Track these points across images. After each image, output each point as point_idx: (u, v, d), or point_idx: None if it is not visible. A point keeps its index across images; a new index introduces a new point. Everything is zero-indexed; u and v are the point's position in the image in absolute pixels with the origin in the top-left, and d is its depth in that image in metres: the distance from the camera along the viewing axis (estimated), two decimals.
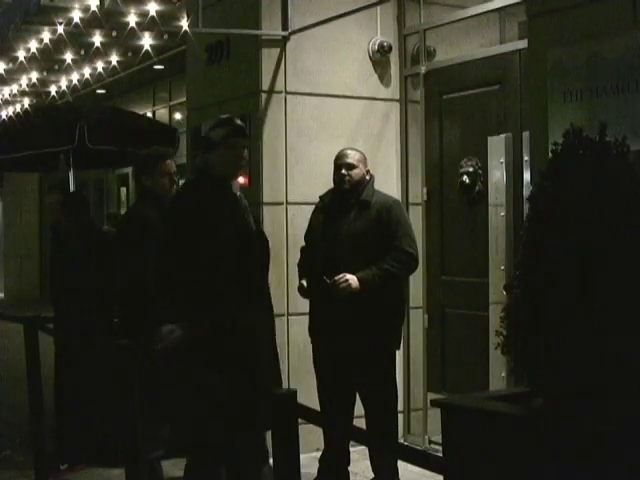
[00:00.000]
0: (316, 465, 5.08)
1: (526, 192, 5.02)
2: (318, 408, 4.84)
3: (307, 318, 5.12)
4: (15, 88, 12.84)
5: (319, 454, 5.10)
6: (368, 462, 5.05)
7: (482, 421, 2.50)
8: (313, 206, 5.20)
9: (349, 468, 5.11)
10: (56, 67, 11.66)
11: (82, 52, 10.62)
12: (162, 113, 14.11)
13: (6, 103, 13.73)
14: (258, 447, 4.20)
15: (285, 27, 6.12)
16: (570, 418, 2.33)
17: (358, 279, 4.73)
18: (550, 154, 2.55)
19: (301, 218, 5.42)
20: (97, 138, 7.03)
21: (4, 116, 13.33)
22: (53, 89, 12.75)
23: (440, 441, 2.72)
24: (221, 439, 3.89)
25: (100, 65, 11.37)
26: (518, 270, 2.57)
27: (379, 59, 6.39)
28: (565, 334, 2.37)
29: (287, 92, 6.13)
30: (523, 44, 5.19)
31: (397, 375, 5.41)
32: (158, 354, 4.00)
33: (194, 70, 6.97)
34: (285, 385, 5.71)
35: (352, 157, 4.99)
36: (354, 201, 4.93)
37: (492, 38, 6.43)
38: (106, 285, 5.70)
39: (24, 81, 12.36)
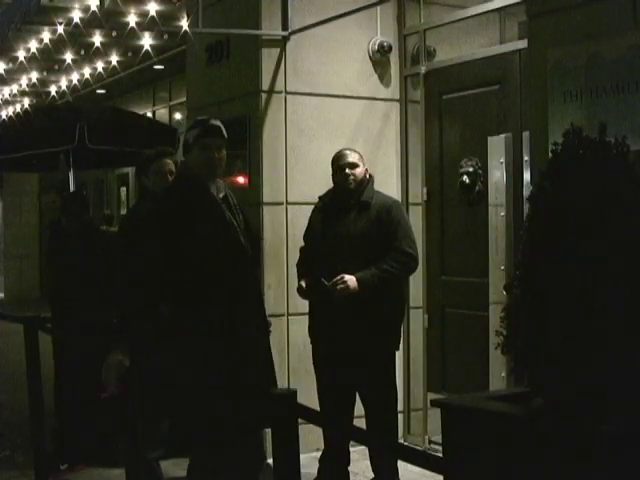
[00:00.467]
0: (316, 465, 5.09)
1: (526, 192, 5.02)
2: (318, 408, 4.84)
3: (307, 318, 5.12)
4: (15, 88, 12.85)
5: (319, 454, 5.10)
6: (368, 462, 5.05)
7: (482, 421, 2.50)
8: (313, 206, 5.20)
9: (349, 468, 5.11)
10: (56, 67, 11.67)
11: (82, 52, 10.63)
12: (162, 113, 14.12)
13: (6, 103, 13.73)
14: (254, 446, 4.20)
15: (285, 27, 6.12)
16: (570, 418, 2.33)
17: (357, 279, 4.73)
18: (550, 154, 2.55)
19: (301, 218, 5.42)
20: (97, 138, 7.03)
21: (4, 116, 13.33)
22: (53, 89, 12.76)
23: (440, 441, 2.72)
24: (217, 439, 3.89)
25: (100, 65, 11.38)
26: (518, 270, 2.57)
27: (379, 59, 6.39)
28: (565, 334, 2.37)
29: (287, 92, 6.13)
30: (523, 44, 5.18)
31: (397, 375, 5.41)
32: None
33: (194, 70, 6.97)
34: (285, 385, 5.71)
35: (353, 156, 5.00)
36: (354, 202, 4.93)
37: (492, 38, 6.43)
38: (106, 285, 5.70)
39: (24, 81, 12.36)
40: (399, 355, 5.85)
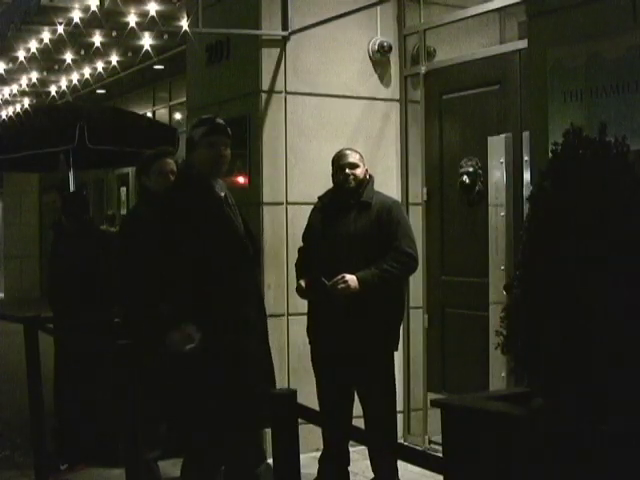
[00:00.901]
0: (316, 465, 5.08)
1: (526, 192, 5.02)
2: (318, 408, 4.84)
3: (307, 318, 5.11)
4: (15, 88, 12.84)
5: (319, 454, 5.10)
6: (368, 462, 5.05)
7: (482, 421, 2.50)
8: (312, 206, 5.20)
9: (349, 468, 5.11)
10: (56, 67, 11.67)
11: (82, 52, 10.63)
12: (162, 113, 14.12)
13: (6, 103, 13.73)
14: (254, 446, 4.20)
15: (285, 27, 6.12)
16: (570, 418, 2.33)
17: (357, 279, 4.73)
18: (550, 154, 2.55)
19: (301, 218, 5.42)
20: (97, 138, 7.03)
21: (4, 116, 13.32)
22: (53, 89, 12.76)
23: (440, 441, 2.72)
24: (216, 439, 3.88)
25: (100, 65, 11.38)
26: (518, 270, 2.57)
27: (379, 59, 6.39)
28: (565, 334, 2.37)
29: (287, 92, 6.13)
30: (523, 44, 5.18)
31: (397, 375, 5.41)
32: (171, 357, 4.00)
33: (194, 70, 6.97)
34: (285, 385, 5.71)
35: (354, 156, 5.00)
36: (354, 202, 4.94)
37: (492, 38, 6.43)
38: (106, 285, 5.70)
39: (24, 81, 12.36)
40: (399, 355, 5.85)
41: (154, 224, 4.08)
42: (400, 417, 6.00)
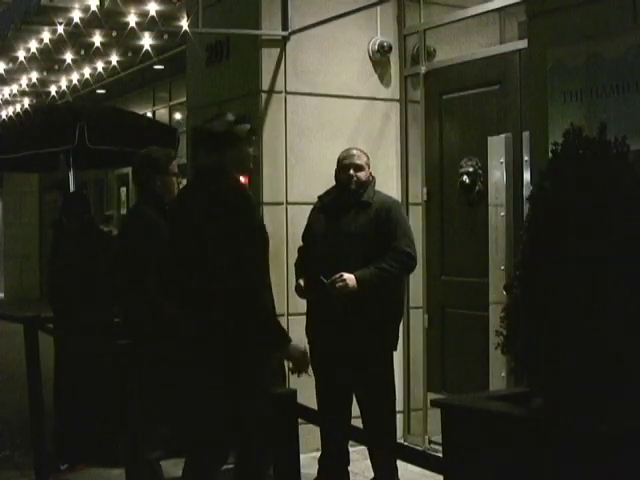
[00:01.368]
0: (316, 465, 5.08)
1: (526, 192, 5.02)
2: (317, 408, 4.83)
3: (306, 318, 5.11)
4: (15, 88, 12.84)
5: (319, 454, 5.10)
6: (368, 462, 5.05)
7: (482, 421, 2.50)
8: (313, 205, 5.20)
9: (349, 468, 5.11)
10: (56, 67, 11.67)
11: (82, 52, 10.62)
12: (162, 113, 14.12)
13: (6, 103, 13.72)
14: (262, 447, 4.16)
15: (285, 27, 6.12)
16: (570, 418, 2.33)
17: (356, 278, 4.73)
18: (550, 154, 2.55)
19: (301, 218, 5.42)
20: (97, 138, 7.02)
21: (4, 116, 13.32)
22: (53, 89, 12.75)
23: (440, 441, 2.72)
24: (219, 439, 3.87)
25: (100, 65, 11.37)
26: (518, 270, 2.57)
27: (379, 59, 6.39)
28: (565, 334, 2.37)
29: (287, 92, 6.13)
30: (523, 44, 5.19)
31: (397, 375, 5.41)
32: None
33: (194, 70, 6.97)
34: (285, 385, 5.71)
35: (360, 159, 5.00)
36: (354, 201, 4.94)
37: (492, 38, 6.43)
38: (106, 285, 5.70)
39: (24, 81, 12.36)
40: (399, 355, 5.85)
41: (201, 219, 3.82)
42: (400, 417, 6.01)
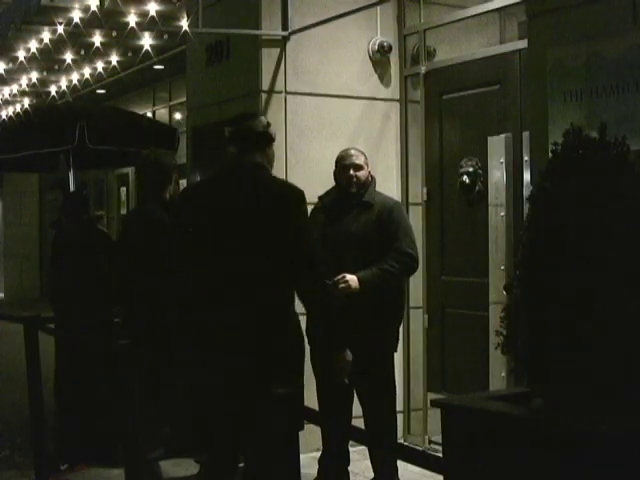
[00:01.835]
0: (316, 465, 5.08)
1: (526, 192, 5.02)
2: (317, 408, 4.83)
3: (306, 318, 5.10)
4: (15, 88, 12.82)
5: (319, 454, 5.10)
6: (368, 462, 5.05)
7: (482, 421, 2.50)
8: (313, 206, 5.19)
9: (349, 468, 5.11)
10: (56, 67, 11.66)
11: (82, 52, 10.61)
12: (162, 113, 14.11)
13: (6, 103, 13.71)
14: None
15: (285, 27, 6.12)
16: (570, 418, 2.33)
17: (358, 279, 4.73)
18: (550, 154, 2.55)
19: None
20: (97, 138, 7.02)
21: (4, 116, 13.31)
22: (53, 89, 12.74)
23: (440, 441, 2.72)
24: (226, 442, 3.83)
25: (100, 65, 11.36)
26: (518, 270, 2.57)
27: (379, 59, 6.39)
28: (565, 334, 2.37)
29: (287, 92, 6.13)
30: (523, 44, 5.19)
31: (397, 375, 5.40)
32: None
33: (194, 70, 6.97)
34: None
35: (359, 158, 5.01)
36: (355, 202, 4.93)
37: (492, 38, 6.43)
38: (106, 285, 5.70)
39: (24, 81, 12.34)
40: (399, 355, 5.85)
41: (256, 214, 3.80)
42: (400, 417, 6.00)
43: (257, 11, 6.11)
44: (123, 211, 15.33)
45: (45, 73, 12.04)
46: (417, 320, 6.22)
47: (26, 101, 13.28)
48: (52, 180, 9.29)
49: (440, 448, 2.77)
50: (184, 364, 3.99)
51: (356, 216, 4.91)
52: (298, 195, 3.85)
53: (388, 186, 5.98)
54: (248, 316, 3.66)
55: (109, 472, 5.65)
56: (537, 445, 2.32)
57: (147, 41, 9.70)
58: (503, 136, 5.49)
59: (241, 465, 3.90)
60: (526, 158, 5.11)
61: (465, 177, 5.88)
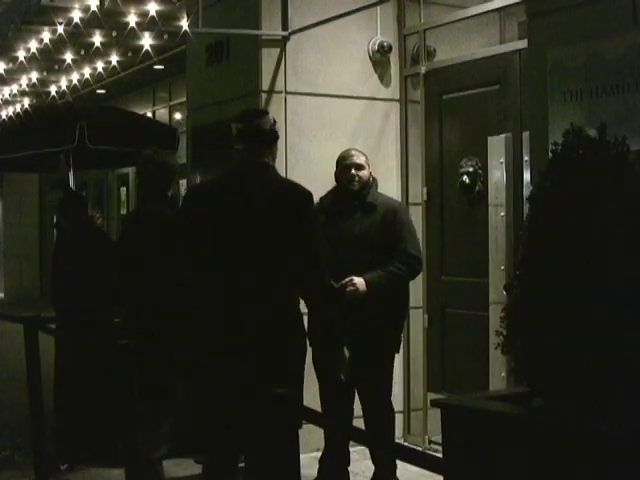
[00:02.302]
0: (316, 465, 5.08)
1: (526, 192, 5.02)
2: (318, 408, 4.83)
3: (308, 317, 5.10)
4: (15, 88, 12.82)
5: (319, 454, 5.10)
6: (368, 462, 5.05)
7: (482, 421, 2.50)
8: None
9: (349, 468, 5.11)
10: (56, 67, 11.65)
11: (82, 52, 10.61)
12: (162, 113, 14.11)
13: (6, 103, 13.71)
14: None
15: (285, 27, 6.12)
16: (570, 418, 2.33)
17: (365, 281, 4.72)
18: (550, 154, 2.55)
19: None
20: (97, 138, 7.03)
21: (4, 116, 13.31)
22: (53, 89, 12.73)
23: (440, 441, 2.72)
24: (225, 442, 3.82)
25: (100, 65, 11.36)
26: (518, 270, 2.57)
27: (379, 59, 6.39)
28: (565, 334, 2.37)
29: (287, 92, 6.13)
30: (523, 44, 5.19)
31: (397, 375, 5.40)
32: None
33: (194, 70, 6.97)
34: None
35: (360, 158, 4.99)
36: (358, 203, 4.91)
37: (492, 38, 6.43)
38: (106, 285, 5.70)
39: (24, 81, 12.34)
40: (399, 355, 5.83)
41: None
42: (400, 417, 6.01)
43: (257, 11, 6.11)
44: (123, 211, 15.33)
45: (45, 73, 12.04)
46: (417, 320, 6.22)
47: (26, 101, 13.28)
48: (53, 180, 9.27)
49: (440, 448, 2.77)
50: (184, 364, 4.00)
51: (360, 218, 4.88)
52: (306, 195, 3.83)
53: (388, 186, 5.97)
54: (251, 315, 3.66)
55: (109, 472, 5.66)
56: (537, 445, 2.32)
57: (147, 41, 9.70)
58: (503, 136, 5.49)
59: (241, 465, 3.90)
60: (526, 158, 5.11)
61: (465, 177, 5.88)
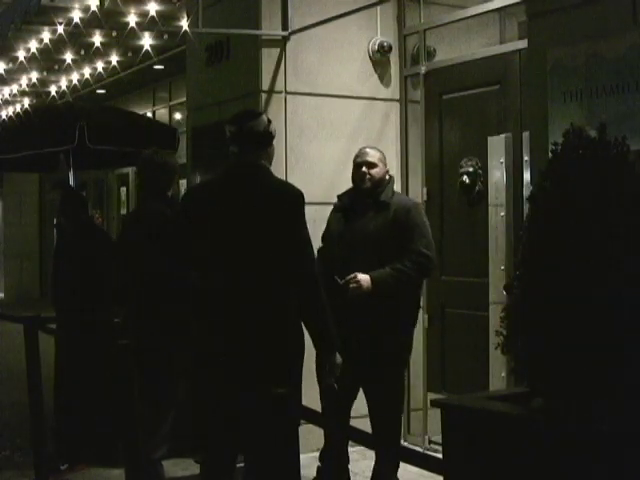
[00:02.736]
0: (316, 465, 5.08)
1: (526, 192, 5.02)
2: (318, 408, 4.82)
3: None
4: (15, 88, 12.82)
5: (319, 454, 5.09)
6: (368, 462, 5.05)
7: (482, 421, 2.50)
8: (314, 206, 5.17)
9: (349, 467, 5.10)
10: (56, 67, 11.65)
11: (82, 52, 10.61)
12: (162, 113, 14.11)
13: (6, 103, 13.71)
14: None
15: (285, 27, 6.12)
16: (570, 418, 2.33)
17: (371, 279, 4.69)
18: (550, 154, 2.55)
19: None
20: (97, 138, 7.03)
21: (4, 116, 13.31)
22: (53, 89, 12.73)
23: (440, 441, 2.72)
24: (225, 442, 3.82)
25: (100, 65, 11.36)
26: (518, 270, 2.57)
27: (379, 59, 6.39)
28: (565, 334, 2.37)
29: (287, 92, 6.13)
30: (523, 44, 5.19)
31: None
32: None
33: (194, 70, 6.97)
34: None
35: (373, 155, 4.95)
36: (372, 202, 4.88)
37: (492, 38, 6.43)
38: (106, 285, 5.70)
39: (24, 81, 12.34)
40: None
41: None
42: None
43: (257, 11, 6.11)
44: (123, 211, 15.33)
45: (45, 73, 12.03)
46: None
47: (26, 101, 13.28)
48: (53, 180, 9.27)
49: (440, 448, 2.77)
50: (184, 364, 3.99)
51: (372, 217, 4.84)
52: (297, 196, 3.85)
53: None
54: (248, 316, 3.67)
55: (109, 472, 5.66)
56: (537, 445, 2.32)
57: (147, 41, 9.69)
58: (503, 136, 5.49)
59: (241, 465, 3.91)
60: (526, 158, 5.11)
61: (465, 177, 5.88)
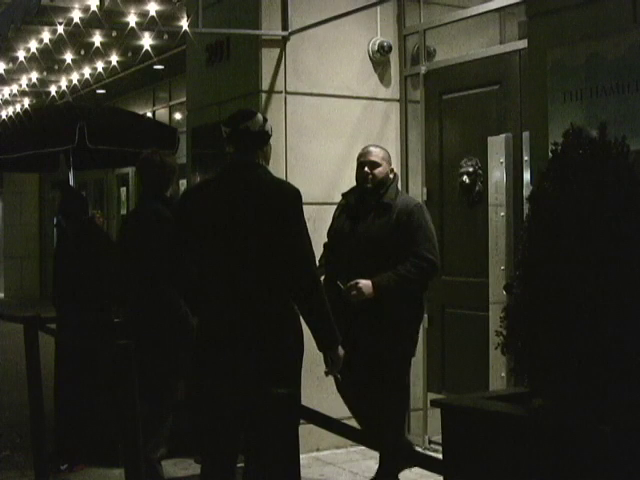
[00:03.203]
0: (316, 465, 5.08)
1: (526, 192, 5.01)
2: (318, 408, 4.81)
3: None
4: (15, 88, 12.83)
5: (319, 454, 5.09)
6: (368, 462, 5.05)
7: (482, 421, 2.50)
8: (314, 206, 5.19)
9: (349, 468, 5.10)
10: (56, 67, 11.66)
11: (82, 52, 10.61)
12: (162, 113, 14.12)
13: (6, 103, 13.72)
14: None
15: (285, 27, 6.12)
16: (570, 418, 2.33)
17: (373, 284, 4.66)
18: (550, 154, 2.55)
19: None
20: (97, 138, 7.03)
21: (4, 116, 13.31)
22: (53, 89, 12.74)
23: (440, 441, 2.72)
24: (224, 442, 3.82)
25: (100, 65, 11.36)
26: (518, 270, 2.57)
27: (379, 59, 6.39)
28: (565, 334, 2.37)
29: (287, 92, 6.13)
30: (523, 44, 5.19)
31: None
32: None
33: (194, 70, 6.97)
34: None
35: (376, 155, 4.92)
36: (375, 202, 4.84)
37: (492, 38, 6.43)
38: (106, 285, 5.70)
39: (24, 81, 12.35)
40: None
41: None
42: None
43: (257, 11, 6.11)
44: (123, 211, 15.33)
45: (45, 73, 12.04)
46: None
47: (26, 101, 13.29)
48: (53, 180, 9.27)
49: (440, 448, 2.77)
50: (184, 364, 4.00)
51: (375, 217, 4.81)
52: (293, 193, 3.85)
53: None
54: (246, 315, 3.67)
55: (109, 472, 5.65)
56: (537, 445, 2.32)
57: (147, 41, 9.70)
58: (503, 136, 5.49)
59: (241, 465, 3.91)
60: (526, 158, 5.11)
61: (465, 177, 5.88)
